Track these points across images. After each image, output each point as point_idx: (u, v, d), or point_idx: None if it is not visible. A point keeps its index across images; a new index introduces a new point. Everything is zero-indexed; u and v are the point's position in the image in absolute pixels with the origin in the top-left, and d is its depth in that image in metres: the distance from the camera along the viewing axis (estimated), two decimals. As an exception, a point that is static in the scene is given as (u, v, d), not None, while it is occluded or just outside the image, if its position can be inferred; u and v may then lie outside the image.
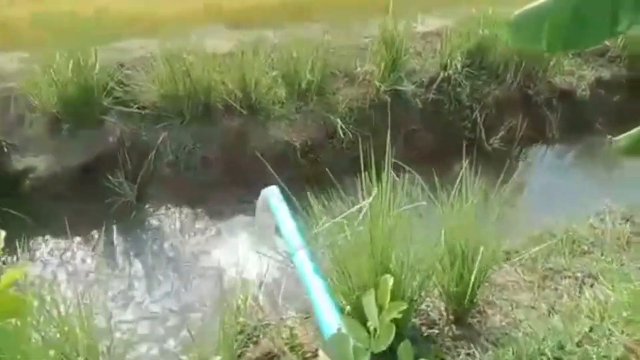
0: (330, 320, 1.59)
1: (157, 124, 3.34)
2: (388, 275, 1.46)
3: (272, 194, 2.23)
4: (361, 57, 3.80)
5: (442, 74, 3.81)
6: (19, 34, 3.73)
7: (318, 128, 3.53)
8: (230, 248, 2.83)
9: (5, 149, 3.05)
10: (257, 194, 2.58)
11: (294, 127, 3.49)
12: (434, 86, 3.79)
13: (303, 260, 1.67)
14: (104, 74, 3.24)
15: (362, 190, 1.82)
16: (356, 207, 1.62)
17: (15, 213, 2.93)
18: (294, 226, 1.86)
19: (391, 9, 3.58)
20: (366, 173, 1.79)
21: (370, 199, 1.59)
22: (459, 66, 3.84)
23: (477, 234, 1.82)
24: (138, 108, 3.33)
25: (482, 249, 1.72)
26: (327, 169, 3.26)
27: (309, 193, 1.93)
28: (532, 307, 2.06)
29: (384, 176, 1.77)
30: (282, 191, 2.28)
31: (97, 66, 3.17)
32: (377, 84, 3.63)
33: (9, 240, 2.79)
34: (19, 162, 3.06)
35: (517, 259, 2.31)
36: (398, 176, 1.85)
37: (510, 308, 2.04)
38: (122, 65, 3.39)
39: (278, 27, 3.99)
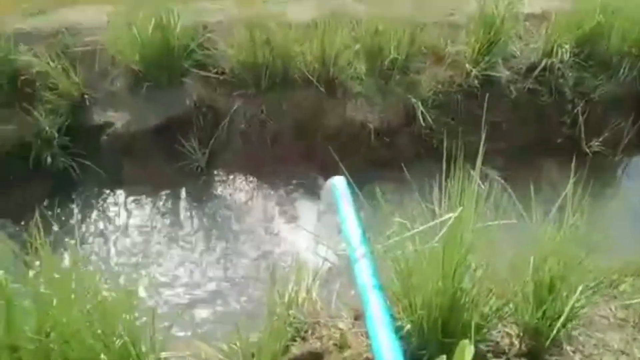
0: (384, 343, 1.41)
1: (233, 91, 3.24)
2: (466, 342, 1.23)
3: (338, 186, 2.05)
4: (453, 37, 3.43)
5: (544, 62, 3.36)
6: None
7: (397, 110, 3.26)
8: (291, 232, 2.72)
9: (88, 102, 3.09)
10: (327, 175, 2.43)
11: (371, 107, 3.25)
12: (533, 75, 3.35)
13: (363, 270, 1.49)
14: (185, 36, 3.17)
15: (440, 194, 1.60)
16: (435, 221, 1.39)
17: (92, 166, 3.01)
18: (357, 228, 1.67)
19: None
20: (445, 173, 1.57)
21: (456, 213, 1.35)
22: (565, 54, 3.35)
23: (574, 262, 1.53)
24: (216, 73, 3.24)
25: (580, 287, 1.44)
26: (401, 157, 3.17)
27: (378, 188, 1.72)
28: (623, 352, 1.75)
29: (469, 182, 1.54)
30: (351, 184, 2.09)
31: (179, 27, 3.09)
32: (468, 67, 3.28)
33: (85, 190, 2.87)
34: (99, 116, 3.10)
35: (610, 289, 1.98)
36: (483, 177, 1.61)
37: (595, 349, 1.74)
38: (204, 28, 3.29)
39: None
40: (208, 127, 3.19)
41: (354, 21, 3.38)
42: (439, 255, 1.46)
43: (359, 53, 3.33)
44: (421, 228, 1.40)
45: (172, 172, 3.13)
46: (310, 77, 3.23)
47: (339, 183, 2.15)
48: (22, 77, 2.99)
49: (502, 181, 1.55)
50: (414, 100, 3.24)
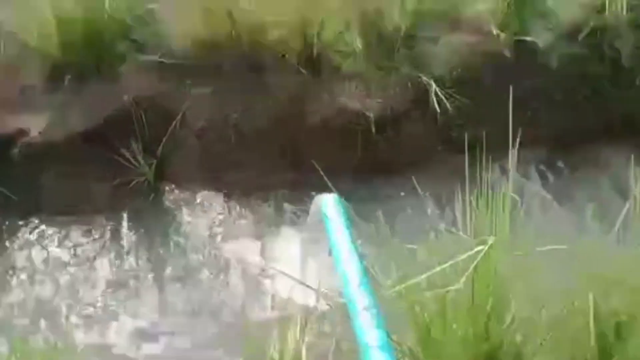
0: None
1: (185, 80, 3.12)
2: None
3: (327, 206, 1.91)
4: (474, -6, 3.32)
5: (594, 20, 3.25)
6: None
7: (403, 93, 3.14)
8: (270, 259, 2.60)
9: (-5, 105, 2.96)
10: (313, 186, 2.31)
11: (368, 90, 3.13)
12: (581, 37, 3.24)
13: (365, 325, 1.35)
14: (119, 8, 3.05)
15: (464, 210, 1.47)
16: (460, 257, 1.26)
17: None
18: (355, 265, 1.54)
19: None
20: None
21: (486, 247, 1.22)
22: (622, 7, 3.24)
23: None
24: (162, 56, 3.11)
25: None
26: (410, 155, 3.06)
27: (380, 209, 1.59)
28: None
29: (501, 193, 1.42)
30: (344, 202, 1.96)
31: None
32: (495, 31, 3.17)
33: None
34: (7, 122, 2.97)
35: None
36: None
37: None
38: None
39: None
40: (155, 130, 3.06)
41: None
42: (466, 300, 1.33)
43: (351, 21, 3.21)
44: (440, 268, 1.26)
45: (111, 192, 3.00)
46: (286, 55, 3.11)
47: (329, 202, 2.01)
48: None
49: (546, 193, 1.42)
50: (424, 78, 3.12)
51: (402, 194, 2.68)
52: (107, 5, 2.97)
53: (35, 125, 2.96)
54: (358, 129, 3.05)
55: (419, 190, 1.77)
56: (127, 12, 3.08)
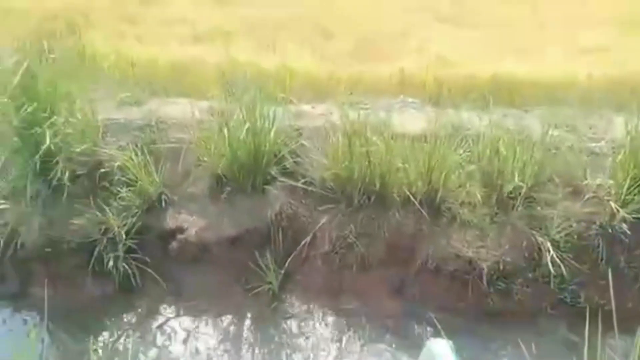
0: None
1: (320, 205, 3.21)
2: None
3: (439, 353, 1.81)
4: (594, 166, 3.20)
5: None
6: (209, 80, 4.07)
7: (518, 249, 3.00)
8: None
9: (164, 203, 3.20)
10: (423, 324, 2.21)
11: (484, 241, 3.03)
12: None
13: None
14: (277, 141, 3.26)
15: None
16: None
17: (155, 275, 3.04)
18: None
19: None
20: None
21: None
22: None
23: None
24: (304, 183, 3.25)
25: None
26: (521, 311, 2.85)
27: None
28: None
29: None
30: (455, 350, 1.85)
31: (273, 131, 3.20)
32: (614, 206, 2.97)
33: (141, 303, 2.88)
34: (172, 220, 3.18)
35: None
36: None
37: None
38: (299, 134, 3.38)
39: (485, 111, 3.64)
40: (287, 244, 3.15)
41: (469, 138, 3.30)
42: None
43: (474, 175, 3.19)
44: None
45: (240, 292, 3.07)
46: (412, 197, 3.12)
47: (440, 348, 1.91)
48: (102, 170, 3.19)
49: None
50: (540, 239, 2.98)
51: (513, 347, 2.47)
52: (270, 138, 3.18)
53: (193, 225, 3.14)
54: (469, 278, 2.93)
55: (526, 353, 1.61)
56: (283, 145, 3.28)
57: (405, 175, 3.19)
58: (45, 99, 3.02)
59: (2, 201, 3.07)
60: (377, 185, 3.18)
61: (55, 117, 3.01)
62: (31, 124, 2.94)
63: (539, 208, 3.10)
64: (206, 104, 3.59)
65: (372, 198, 3.18)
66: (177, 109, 3.66)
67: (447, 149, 3.13)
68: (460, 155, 3.19)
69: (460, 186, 3.19)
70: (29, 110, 2.90)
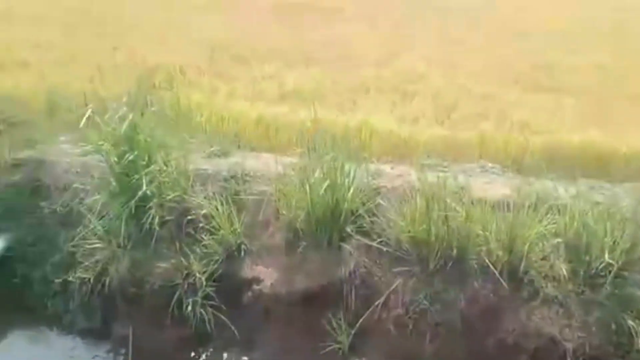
0: None
1: (394, 266, 3.17)
2: None
3: None
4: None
5: None
6: (293, 136, 4.22)
7: (605, 331, 2.79)
8: None
9: (242, 253, 3.29)
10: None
11: (569, 320, 2.85)
12: None
13: None
14: (356, 198, 3.29)
15: None
16: None
17: (228, 323, 3.09)
18: None
19: None
20: None
21: None
22: None
23: None
24: (380, 243, 3.23)
25: None
26: None
27: None
28: None
29: None
30: None
31: (352, 189, 3.24)
32: None
33: (214, 350, 2.92)
34: (249, 270, 3.26)
35: None
36: None
37: None
38: (377, 193, 3.40)
39: (571, 181, 3.50)
40: (359, 304, 3.11)
41: (556, 208, 3.17)
42: None
43: (559, 248, 3.05)
44: None
45: (309, 349, 3.05)
46: (491, 266, 3.01)
47: None
48: (189, 217, 3.35)
49: None
50: (631, 322, 2.76)
51: None
52: (349, 195, 3.22)
53: (268, 277, 3.20)
54: (551, 357, 2.75)
55: None
56: (361, 203, 3.30)
57: (485, 242, 3.10)
58: (145, 148, 3.25)
59: (96, 240, 3.28)
60: (455, 251, 3.12)
61: (152, 165, 3.22)
62: (131, 171, 3.16)
63: (630, 289, 2.90)
64: (289, 159, 3.71)
65: (449, 264, 3.11)
66: (261, 162, 3.81)
67: (530, 218, 3.03)
68: (545, 226, 3.07)
69: (543, 258, 3.07)
70: (130, 158, 3.12)
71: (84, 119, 3.16)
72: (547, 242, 3.06)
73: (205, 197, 3.42)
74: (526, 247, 2.99)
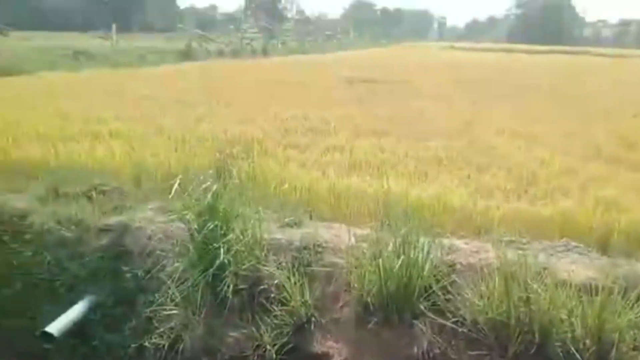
0: None
1: (470, 349, 3.00)
2: None
3: None
4: None
5: None
6: (365, 207, 4.22)
7: None
8: None
9: (313, 326, 3.25)
10: None
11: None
12: None
13: None
14: (430, 274, 3.20)
15: None
16: None
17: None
18: None
19: None
20: None
21: None
22: None
23: None
24: (454, 323, 3.09)
25: None
26: None
27: None
28: None
29: None
30: None
31: (427, 266, 3.16)
32: None
33: None
34: (318, 344, 3.19)
35: None
36: None
37: None
38: (452, 270, 3.29)
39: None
40: (433, 388, 2.95)
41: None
42: None
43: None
44: None
45: None
46: (577, 354, 2.79)
47: None
48: (262, 287, 3.38)
49: None
50: None
51: None
52: (422, 271, 3.15)
53: (338, 353, 3.12)
54: None
55: None
56: (435, 280, 3.20)
57: (571, 329, 2.89)
58: (224, 217, 3.37)
59: (173, 307, 3.36)
60: (537, 336, 2.92)
61: (230, 234, 3.32)
62: (210, 240, 3.27)
63: None
64: (361, 231, 3.70)
65: (531, 350, 2.90)
66: (333, 233, 3.81)
67: (621, 304, 2.81)
68: (637, 314, 2.83)
69: (635, 349, 2.80)
70: (210, 227, 3.24)
71: (173, 190, 3.33)
72: (641, 331, 2.81)
73: (277, 267, 3.45)
74: (616, 335, 2.76)
